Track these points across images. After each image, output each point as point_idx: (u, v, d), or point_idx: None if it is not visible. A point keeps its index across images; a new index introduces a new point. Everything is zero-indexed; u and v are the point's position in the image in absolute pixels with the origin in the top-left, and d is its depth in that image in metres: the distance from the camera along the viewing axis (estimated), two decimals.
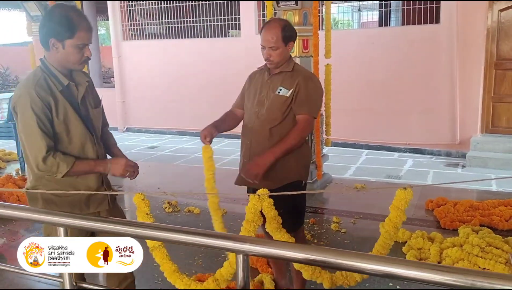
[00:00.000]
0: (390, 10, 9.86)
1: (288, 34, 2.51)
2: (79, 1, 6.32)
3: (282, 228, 2.14)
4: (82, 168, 2.12)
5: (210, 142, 2.62)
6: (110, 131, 2.55)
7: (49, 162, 2.02)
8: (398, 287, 3.17)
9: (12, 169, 6.76)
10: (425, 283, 1.25)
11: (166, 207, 4.78)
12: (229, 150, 8.28)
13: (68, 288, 1.76)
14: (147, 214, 2.09)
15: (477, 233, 3.74)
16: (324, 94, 5.22)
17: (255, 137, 2.62)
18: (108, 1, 10.90)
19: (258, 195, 2.11)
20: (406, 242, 3.76)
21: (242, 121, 2.79)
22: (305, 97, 2.54)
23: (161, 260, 2.12)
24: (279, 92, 2.54)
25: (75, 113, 2.13)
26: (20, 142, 2.16)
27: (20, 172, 6.52)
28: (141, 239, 1.62)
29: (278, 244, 1.53)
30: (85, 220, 1.73)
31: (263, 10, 8.54)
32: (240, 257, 1.46)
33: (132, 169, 2.22)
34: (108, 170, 2.19)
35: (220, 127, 2.71)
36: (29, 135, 2.04)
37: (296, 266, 2.18)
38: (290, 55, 2.64)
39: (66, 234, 1.73)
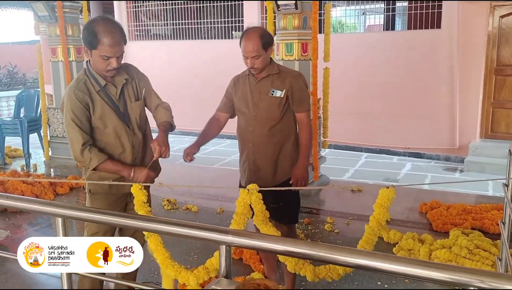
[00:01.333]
0: (395, 14, 9.93)
1: (266, 40, 2.65)
2: (85, 2, 6.46)
3: (268, 221, 2.27)
4: (109, 168, 2.47)
5: (192, 160, 2.75)
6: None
7: (85, 155, 2.40)
8: (386, 286, 3.26)
9: (18, 165, 6.90)
10: (397, 275, 1.35)
11: (165, 205, 4.90)
12: (229, 150, 8.40)
13: (66, 288, 1.81)
14: (144, 203, 2.24)
15: (468, 236, 3.82)
16: (322, 97, 5.36)
17: (257, 139, 2.78)
18: (114, 2, 11.06)
19: (248, 190, 2.23)
20: (397, 243, 3.86)
21: (237, 125, 2.92)
22: (301, 96, 2.77)
23: (155, 247, 2.25)
24: (272, 94, 2.72)
25: (111, 109, 2.48)
26: None
27: (25, 168, 6.67)
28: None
29: (259, 236, 1.64)
30: (81, 211, 1.84)
31: (266, 13, 8.64)
32: (223, 248, 1.56)
33: (150, 181, 2.53)
34: (131, 177, 2.48)
35: (203, 143, 2.87)
36: (69, 131, 2.42)
37: (281, 258, 2.29)
38: (271, 58, 2.78)
39: (64, 225, 1.83)
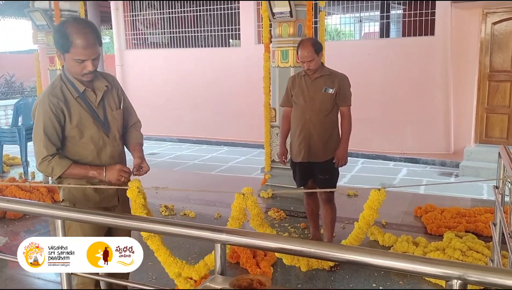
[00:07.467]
0: (389, 21, 10.05)
1: (317, 47, 3.37)
2: (83, 10, 6.53)
3: (264, 223, 2.32)
4: (78, 172, 2.28)
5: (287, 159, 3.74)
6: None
7: (43, 166, 2.26)
8: (381, 288, 3.31)
9: (16, 173, 6.94)
10: (383, 269, 1.40)
11: (162, 211, 4.94)
12: (227, 157, 8.45)
13: (65, 288, 1.83)
14: (142, 205, 2.27)
15: (461, 238, 3.88)
16: None
17: (313, 124, 3.51)
18: (112, 11, 11.15)
19: (243, 194, 2.28)
20: (392, 246, 3.91)
21: (293, 113, 3.63)
22: (346, 93, 3.52)
23: (157, 247, 2.29)
24: (325, 91, 3.45)
25: (90, 117, 2.29)
26: None
27: (23, 176, 6.70)
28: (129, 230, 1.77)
29: (252, 234, 1.69)
30: (80, 213, 1.89)
31: (262, 21, 8.73)
32: (218, 246, 1.62)
33: (126, 175, 2.32)
34: (103, 176, 2.29)
35: (286, 139, 3.75)
36: (35, 140, 2.26)
37: (277, 254, 2.37)
38: (322, 62, 3.51)
39: (63, 227, 1.88)
